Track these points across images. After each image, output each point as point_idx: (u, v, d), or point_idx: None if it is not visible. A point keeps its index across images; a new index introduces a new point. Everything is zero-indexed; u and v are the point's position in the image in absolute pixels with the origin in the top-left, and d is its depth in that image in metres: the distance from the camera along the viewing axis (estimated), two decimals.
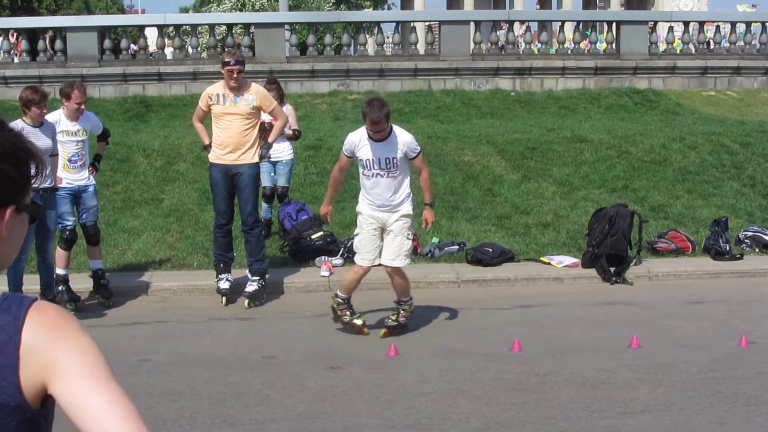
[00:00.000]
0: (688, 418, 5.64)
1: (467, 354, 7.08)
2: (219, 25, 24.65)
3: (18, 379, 1.50)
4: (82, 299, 8.59)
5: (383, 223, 7.31)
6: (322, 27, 22.80)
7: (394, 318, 7.63)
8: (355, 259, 7.60)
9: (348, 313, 7.60)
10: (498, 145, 14.84)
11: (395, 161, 7.14)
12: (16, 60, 20.42)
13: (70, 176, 8.36)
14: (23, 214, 1.64)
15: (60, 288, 8.41)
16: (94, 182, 8.66)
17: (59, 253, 8.46)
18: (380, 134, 7.06)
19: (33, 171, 1.63)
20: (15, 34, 21.92)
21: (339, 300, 7.60)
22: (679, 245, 10.44)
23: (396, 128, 7.30)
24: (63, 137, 8.28)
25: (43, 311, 1.55)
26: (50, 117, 8.28)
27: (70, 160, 8.34)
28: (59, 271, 8.44)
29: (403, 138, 7.21)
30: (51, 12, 35.22)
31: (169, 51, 21.81)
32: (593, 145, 14.87)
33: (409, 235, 7.42)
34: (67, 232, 8.38)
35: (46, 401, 1.55)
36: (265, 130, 8.93)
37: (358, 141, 7.22)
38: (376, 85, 19.67)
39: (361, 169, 7.33)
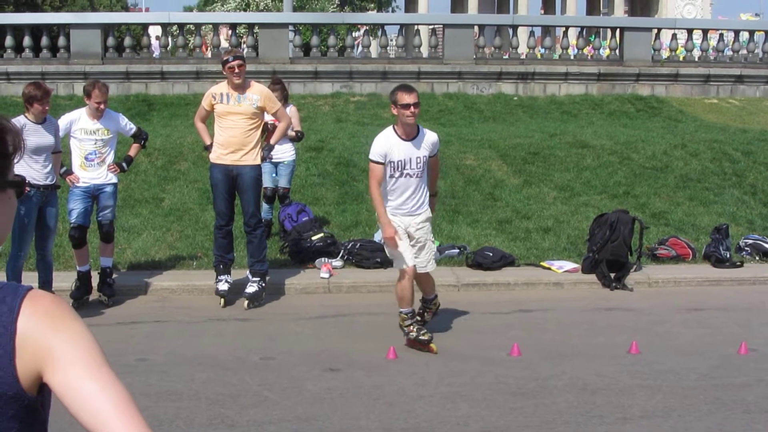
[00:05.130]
0: (687, 424, 5.63)
1: (466, 358, 7.07)
2: (223, 24, 24.68)
3: (14, 368, 1.51)
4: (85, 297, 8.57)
5: (406, 226, 7.09)
6: (326, 28, 22.84)
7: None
8: (395, 265, 7.23)
9: (414, 329, 7.20)
10: (500, 150, 14.84)
11: (425, 159, 7.04)
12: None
13: (87, 174, 8.33)
14: (8, 191, 1.65)
15: (75, 283, 8.45)
16: (114, 181, 8.50)
17: (74, 252, 8.56)
18: (414, 119, 6.88)
19: (11, 147, 1.62)
20: None
21: (403, 315, 7.26)
22: (679, 252, 10.45)
23: (421, 127, 7.17)
24: (80, 134, 8.29)
25: (38, 300, 1.56)
26: (72, 114, 8.35)
27: (86, 158, 8.32)
28: (78, 268, 8.51)
29: (431, 137, 7.11)
30: (55, 9, 35.22)
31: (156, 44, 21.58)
32: (595, 150, 14.86)
33: (432, 237, 7.52)
34: (71, 230, 8.37)
35: (43, 388, 1.56)
36: (268, 131, 8.89)
37: (391, 142, 6.91)
38: (379, 87, 19.66)
39: (387, 173, 6.97)
